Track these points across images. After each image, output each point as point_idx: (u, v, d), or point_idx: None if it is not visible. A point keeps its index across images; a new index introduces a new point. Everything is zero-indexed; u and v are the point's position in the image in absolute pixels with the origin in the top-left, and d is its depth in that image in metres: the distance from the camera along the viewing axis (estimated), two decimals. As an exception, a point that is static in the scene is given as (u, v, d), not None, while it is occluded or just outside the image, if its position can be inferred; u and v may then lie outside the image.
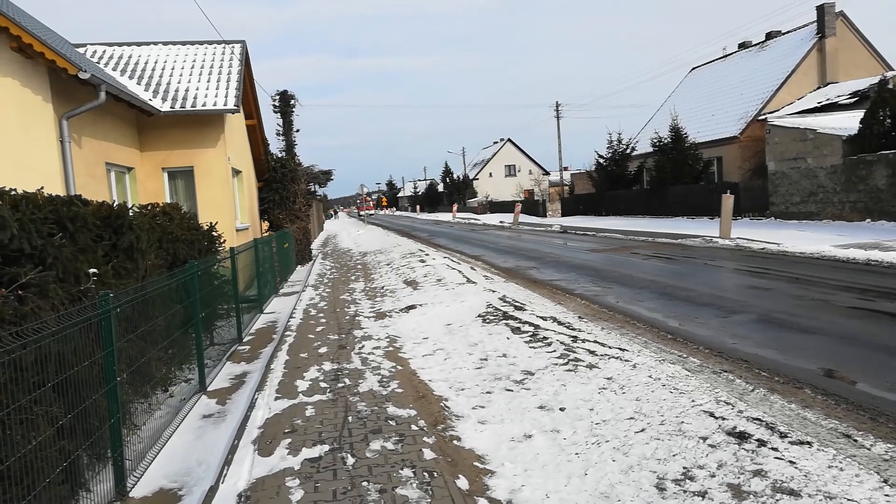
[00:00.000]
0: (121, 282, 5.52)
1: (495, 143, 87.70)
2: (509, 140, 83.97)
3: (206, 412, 5.98)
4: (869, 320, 7.89)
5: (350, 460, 4.61)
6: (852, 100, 24.26)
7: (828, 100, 25.90)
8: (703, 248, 17.17)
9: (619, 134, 36.41)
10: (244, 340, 9.14)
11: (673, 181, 30.08)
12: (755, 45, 35.68)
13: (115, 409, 4.29)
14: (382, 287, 13.82)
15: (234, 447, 5.00)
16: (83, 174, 9.38)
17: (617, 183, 36.31)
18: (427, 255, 19.26)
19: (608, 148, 36.69)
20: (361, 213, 77.78)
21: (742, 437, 4.36)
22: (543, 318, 8.82)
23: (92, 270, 5.21)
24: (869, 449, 4.16)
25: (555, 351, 7.08)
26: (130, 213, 6.41)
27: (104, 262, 5.58)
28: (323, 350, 8.20)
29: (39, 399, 3.61)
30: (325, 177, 33.52)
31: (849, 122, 20.87)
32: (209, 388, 6.71)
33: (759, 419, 4.65)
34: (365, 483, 4.23)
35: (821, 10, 29.53)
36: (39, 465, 3.46)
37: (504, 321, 8.86)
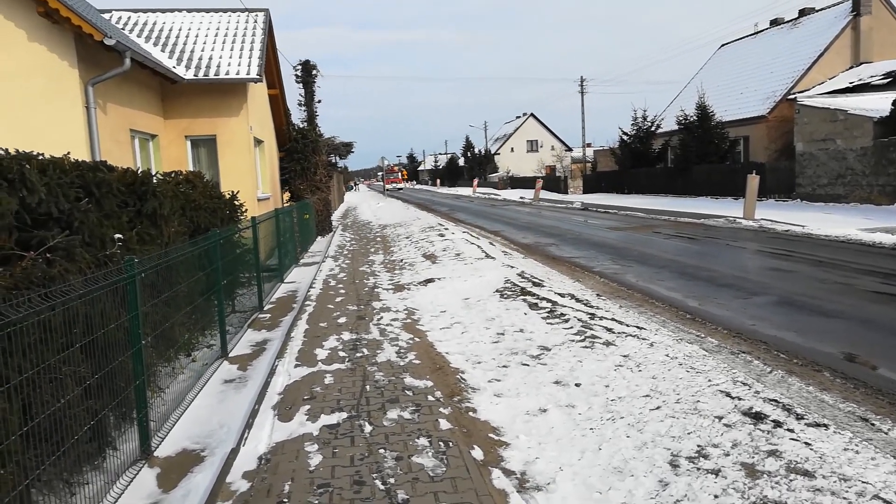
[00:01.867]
0: (145, 248, 5.61)
1: (518, 117, 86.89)
2: (532, 115, 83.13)
3: (227, 377, 6.09)
4: (892, 305, 7.80)
5: (367, 428, 4.69)
6: (886, 80, 23.65)
7: (860, 80, 25.27)
8: (727, 228, 16.99)
9: (644, 111, 35.90)
10: (265, 309, 9.26)
11: (698, 160, 29.66)
12: (787, 21, 34.81)
13: (139, 370, 4.39)
14: (401, 260, 13.88)
15: (254, 412, 5.11)
16: (108, 140, 9.48)
17: (640, 161, 35.89)
18: (446, 229, 19.27)
19: (633, 125, 36.21)
20: (388, 186, 70.67)
21: (758, 417, 4.36)
22: (561, 295, 8.82)
23: (117, 236, 5.30)
24: (886, 433, 4.15)
25: (572, 327, 7.10)
26: (154, 181, 6.49)
27: (129, 227, 5.67)
28: (342, 320, 8.30)
29: (67, 359, 3.70)
30: (345, 149, 33.50)
31: (881, 104, 20.38)
32: (231, 354, 6.83)
33: (775, 400, 4.64)
34: (382, 450, 4.31)
35: (857, -14, 28.69)
36: (68, 423, 3.56)
37: (522, 297, 8.88)
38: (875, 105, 20.71)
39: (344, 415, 4.96)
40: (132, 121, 10.78)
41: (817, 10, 32.69)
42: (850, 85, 25.22)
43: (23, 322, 3.13)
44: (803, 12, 33.75)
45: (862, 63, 28.30)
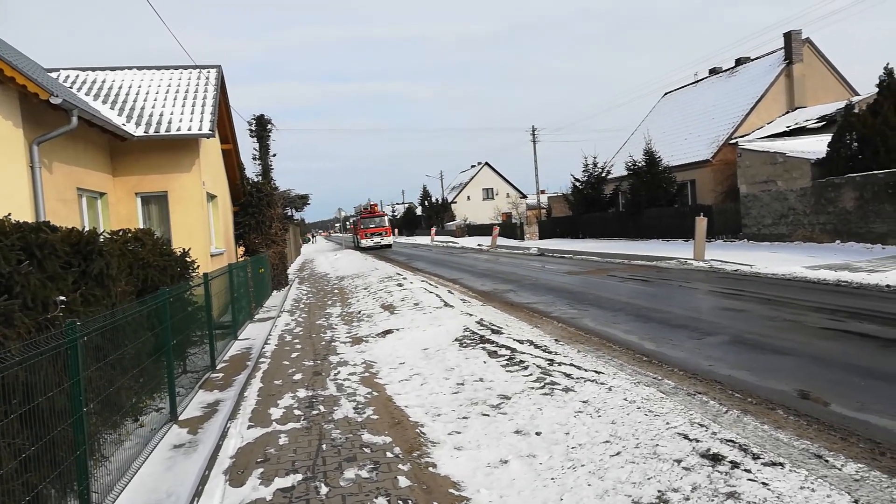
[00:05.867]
0: (90, 309, 5.44)
1: (473, 166, 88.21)
2: (487, 164, 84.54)
3: (176, 442, 5.86)
4: (839, 341, 8.00)
5: (323, 489, 4.54)
6: (820, 124, 24.87)
7: (796, 124, 26.52)
8: (678, 270, 17.35)
9: (595, 158, 36.87)
10: (217, 368, 9.00)
11: (648, 204, 30.46)
12: (725, 70, 36.51)
13: (81, 440, 4.19)
14: (359, 312, 13.74)
15: (204, 478, 4.90)
16: (53, 200, 9.25)
17: (593, 206, 36.67)
18: (405, 278, 19.21)
19: (584, 171, 37.09)
20: (363, 241, 46.97)
21: (716, 459, 4.38)
22: (520, 342, 8.82)
23: (60, 298, 5.13)
24: (840, 469, 4.20)
25: (531, 374, 7.08)
26: (101, 240, 6.33)
27: (73, 289, 5.50)
28: (298, 377, 8.11)
29: (4, 430, 3.52)
30: (301, 201, 33.41)
31: (817, 146, 21.36)
32: (181, 418, 6.59)
33: (732, 441, 4.67)
34: (338, 512, 4.16)
35: (788, 36, 30.35)
36: (2, 500, 3.36)
37: (481, 345, 8.85)
38: (811, 147, 21.70)
39: (299, 476, 4.80)
40: (79, 179, 10.56)
41: (753, 59, 34.39)
42: (788, 129, 26.42)
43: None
44: (739, 61, 35.47)
45: (797, 108, 29.75)
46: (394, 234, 59.53)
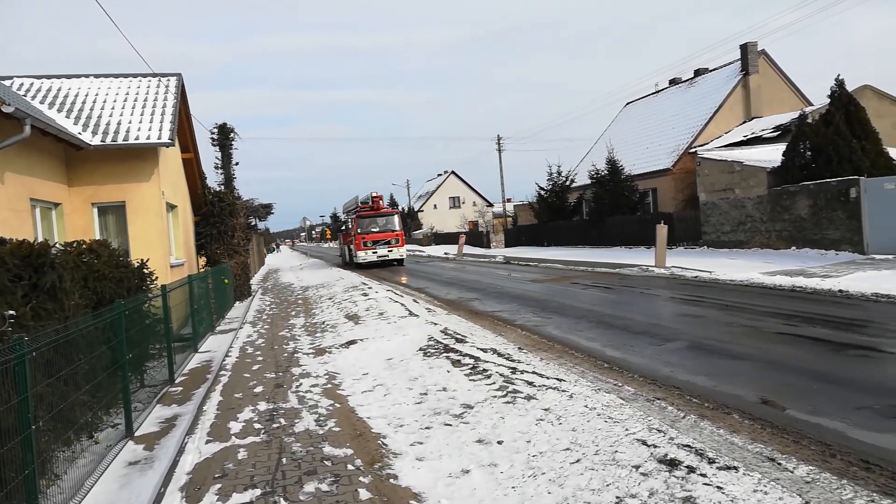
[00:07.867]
0: (41, 323, 5.29)
1: (440, 175, 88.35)
2: (453, 172, 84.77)
3: (132, 459, 5.72)
4: (794, 345, 8.20)
5: (282, 504, 4.48)
6: (775, 133, 25.54)
7: (753, 133, 27.20)
8: (640, 276, 17.60)
9: (559, 166, 37.33)
10: (176, 381, 8.82)
11: (611, 212, 30.89)
12: (685, 81, 37.32)
13: (29, 458, 4.06)
14: (323, 322, 13.63)
15: (160, 495, 4.79)
16: (5, 210, 9.00)
17: (558, 214, 37.04)
18: (370, 288, 19.14)
19: (548, 180, 37.50)
20: (360, 251, 31.80)
21: (673, 464, 4.44)
22: (484, 350, 8.84)
23: (9, 312, 4.99)
24: (792, 472, 4.29)
25: (494, 383, 7.10)
26: (53, 251, 6.18)
27: (23, 302, 5.35)
28: (259, 389, 8.00)
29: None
30: (265, 210, 33.13)
31: (773, 155, 21.92)
32: (137, 433, 6.43)
33: (689, 446, 4.75)
34: (297, 527, 4.11)
35: (744, 48, 31.16)
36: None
37: (445, 354, 8.85)
38: (767, 156, 22.26)
39: (258, 491, 4.72)
40: (33, 189, 10.29)
41: (711, 70, 35.23)
42: (745, 138, 27.08)
43: None
44: (698, 72, 36.30)
45: (753, 118, 30.53)
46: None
